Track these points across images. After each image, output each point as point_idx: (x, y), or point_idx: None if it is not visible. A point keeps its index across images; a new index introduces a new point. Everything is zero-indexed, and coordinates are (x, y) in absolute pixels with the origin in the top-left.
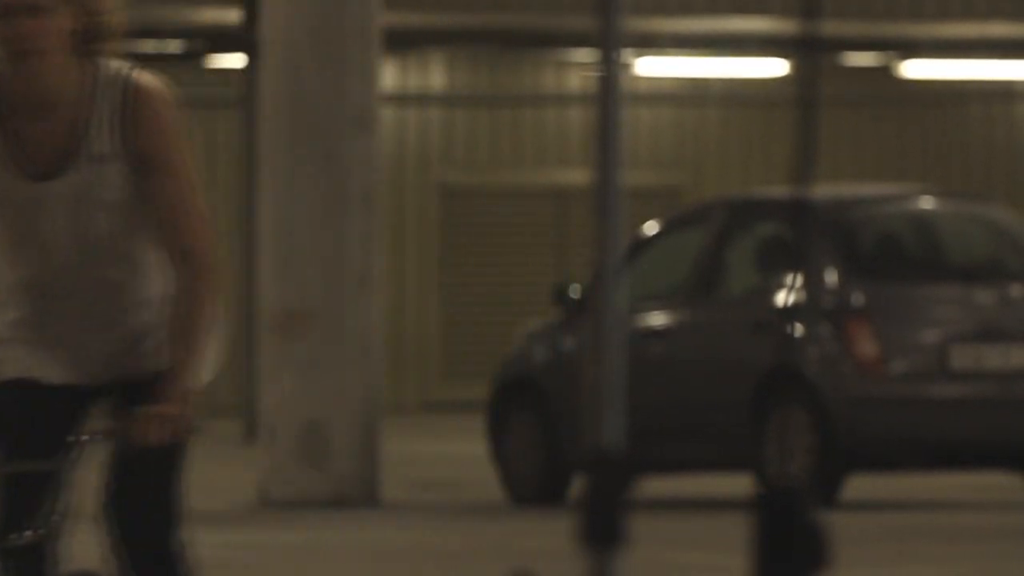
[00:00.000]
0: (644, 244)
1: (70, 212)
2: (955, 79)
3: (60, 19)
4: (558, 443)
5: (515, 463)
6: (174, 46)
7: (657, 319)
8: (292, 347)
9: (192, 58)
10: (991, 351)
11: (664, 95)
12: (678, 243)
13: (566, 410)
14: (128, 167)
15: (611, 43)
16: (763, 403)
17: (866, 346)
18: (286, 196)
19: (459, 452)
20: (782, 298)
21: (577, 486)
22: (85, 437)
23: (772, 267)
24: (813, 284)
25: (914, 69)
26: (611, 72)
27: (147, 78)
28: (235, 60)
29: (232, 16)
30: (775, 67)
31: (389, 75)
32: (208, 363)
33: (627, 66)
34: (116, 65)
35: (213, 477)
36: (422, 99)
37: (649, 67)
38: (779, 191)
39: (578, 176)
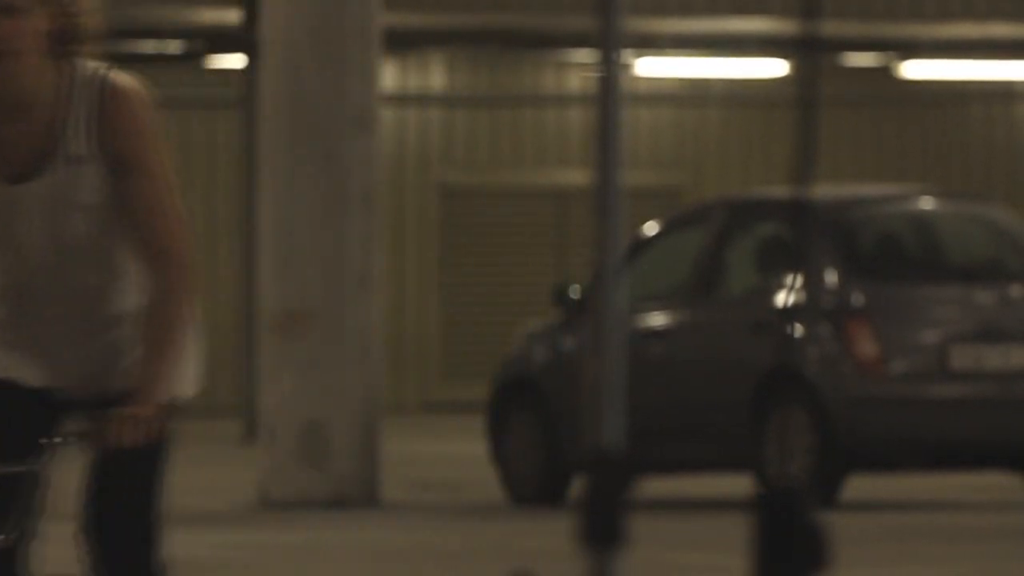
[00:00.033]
0: (644, 244)
1: (47, 214)
2: (955, 79)
3: (36, 20)
4: (558, 443)
5: (515, 463)
6: (174, 46)
7: (657, 319)
8: (292, 347)
9: (192, 58)
10: (991, 351)
11: (664, 95)
12: (678, 243)
13: (566, 410)
14: (105, 168)
15: (611, 43)
16: (763, 403)
17: (866, 346)
18: (286, 196)
19: (459, 452)
20: (782, 298)
21: (577, 486)
22: (59, 440)
23: (772, 267)
24: (813, 284)
25: (914, 69)
26: (611, 72)
27: (124, 79)
28: (235, 60)
29: (232, 16)
30: (775, 67)
31: (389, 75)
32: (191, 375)
33: (627, 66)
34: (93, 66)
35: (213, 477)
36: (422, 99)
37: (649, 67)
38: (779, 191)
39: (578, 176)
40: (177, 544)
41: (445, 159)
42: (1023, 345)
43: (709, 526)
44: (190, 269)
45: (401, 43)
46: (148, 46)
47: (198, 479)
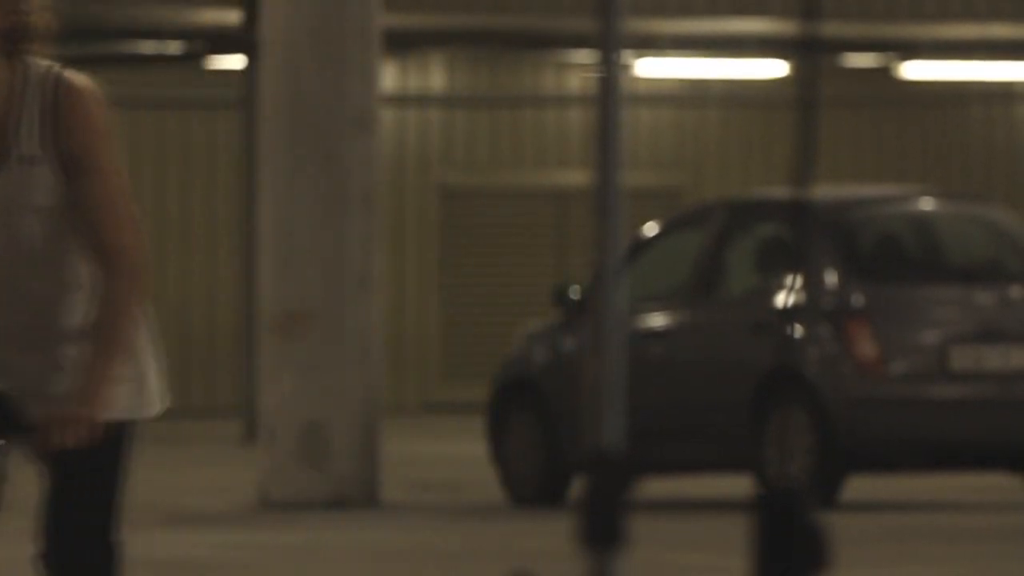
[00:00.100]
0: (644, 245)
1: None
2: (955, 80)
3: None
4: (558, 444)
5: (515, 464)
6: (174, 47)
7: (657, 320)
8: (292, 347)
9: (192, 59)
10: (991, 352)
11: (664, 96)
12: (678, 244)
13: (566, 411)
14: (59, 169)
15: (611, 44)
16: (763, 404)
17: (866, 347)
18: (286, 197)
19: (459, 453)
20: (782, 299)
21: (577, 487)
22: (2, 441)
23: (772, 268)
24: (813, 285)
25: (914, 70)
26: (611, 73)
27: (77, 77)
28: (235, 61)
29: (232, 17)
30: (775, 68)
31: (389, 76)
32: (153, 393)
33: (627, 67)
34: (45, 64)
35: (213, 477)
36: (422, 100)
37: (649, 68)
38: (779, 192)
39: (578, 177)
40: (177, 544)
41: (445, 160)
42: (1023, 346)
43: (709, 527)
44: (142, 272)
45: (401, 44)
46: (148, 47)
47: (198, 479)
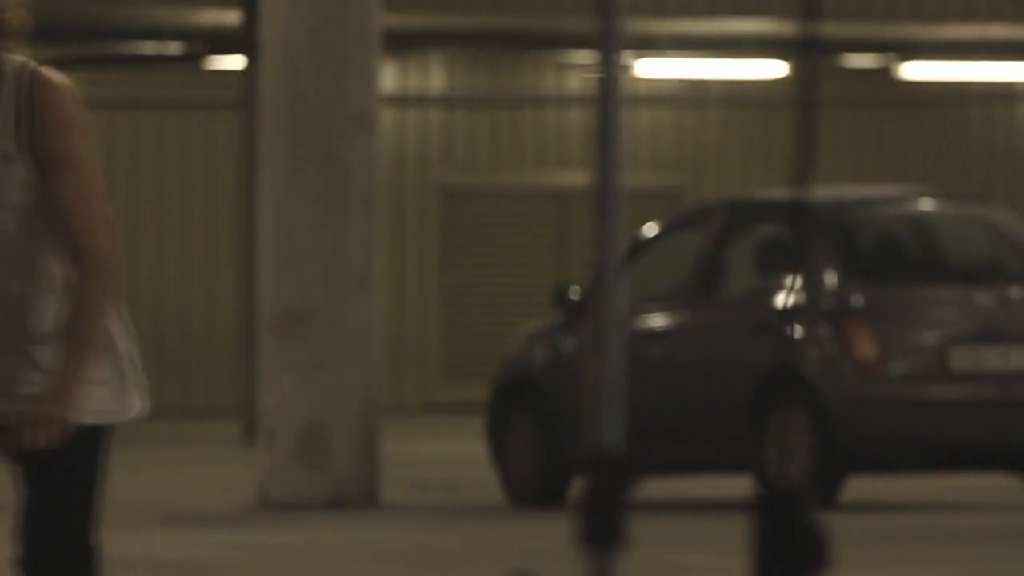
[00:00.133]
0: (644, 245)
1: None
2: (955, 81)
3: None
4: (558, 444)
5: (515, 464)
6: (174, 48)
7: (657, 320)
8: (292, 348)
9: (192, 60)
10: (991, 352)
11: (664, 97)
12: (678, 244)
13: (566, 411)
14: (33, 166)
15: (611, 45)
16: (763, 404)
17: (866, 347)
18: (286, 197)
19: (459, 453)
20: (782, 299)
21: (577, 487)
22: None
23: (772, 268)
24: (813, 285)
25: (914, 71)
26: (611, 73)
27: (53, 74)
28: (235, 62)
29: (232, 18)
30: (774, 69)
31: (389, 76)
32: (130, 397)
33: (627, 68)
34: (20, 61)
35: (213, 477)
36: (422, 100)
37: (649, 69)
38: (779, 192)
39: (578, 177)
40: (177, 544)
41: (445, 160)
42: (1022, 346)
43: (709, 527)
44: (116, 272)
45: (401, 44)
46: (148, 47)
47: (198, 479)
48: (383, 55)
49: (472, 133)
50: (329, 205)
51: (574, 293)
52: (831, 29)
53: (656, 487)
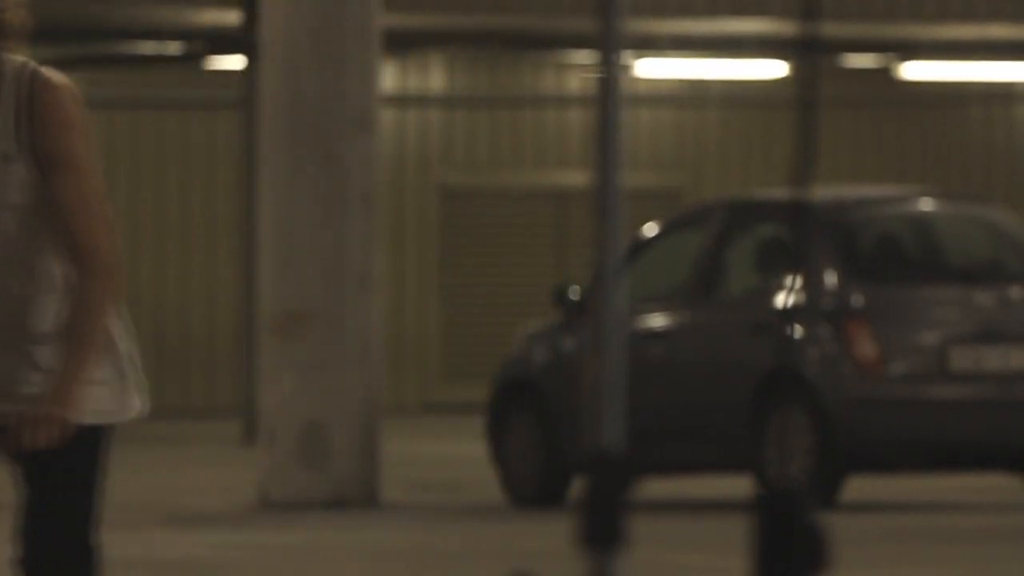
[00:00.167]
0: (644, 245)
1: None
2: (955, 81)
3: None
4: (558, 444)
5: (515, 464)
6: (174, 48)
7: (657, 320)
8: (292, 348)
9: (192, 60)
10: (991, 352)
11: (664, 97)
12: (678, 244)
13: (566, 411)
14: (33, 166)
15: (611, 45)
16: (763, 404)
17: (866, 347)
18: (286, 197)
19: (459, 453)
20: (782, 299)
21: (577, 487)
22: None
23: (772, 268)
24: (813, 285)
25: (914, 71)
26: (611, 73)
27: (53, 74)
28: (235, 62)
29: (232, 18)
30: (774, 68)
31: (389, 76)
32: (129, 396)
33: (627, 68)
34: (20, 61)
35: (213, 477)
36: (422, 100)
37: (649, 69)
38: (779, 192)
39: (578, 177)
40: (177, 544)
41: (445, 160)
42: (1023, 346)
43: (709, 527)
44: (115, 273)
45: (401, 44)
46: (148, 47)
47: (198, 479)
48: (383, 55)
49: (472, 133)
50: (329, 205)
51: (574, 293)
52: (831, 29)
53: (656, 487)
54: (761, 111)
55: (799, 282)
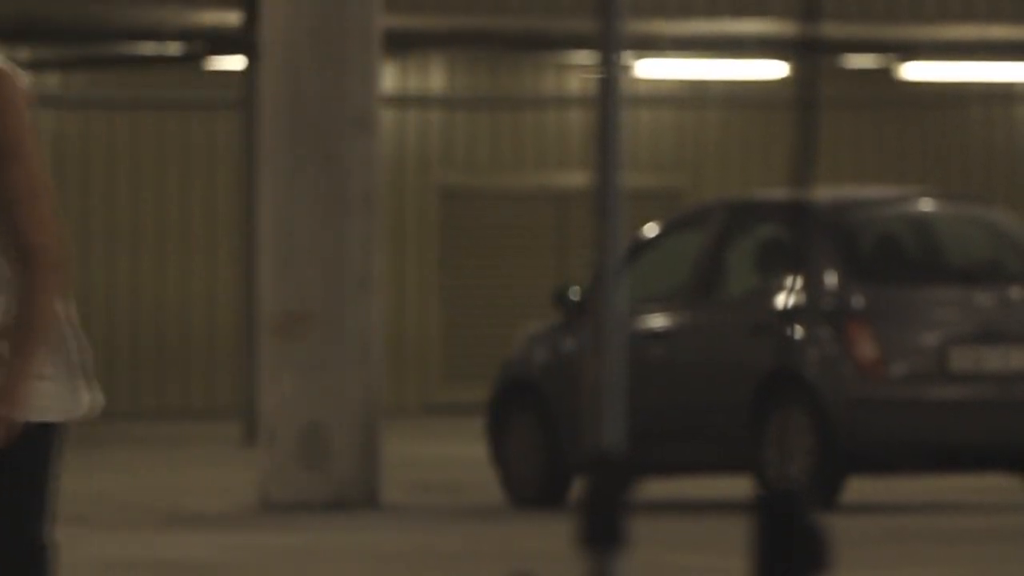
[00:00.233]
0: (644, 246)
1: None
2: (955, 81)
3: None
4: (558, 445)
5: (515, 465)
6: (174, 48)
7: (657, 321)
8: (292, 348)
9: (192, 60)
10: (991, 353)
11: (664, 97)
12: (678, 245)
13: (566, 412)
14: None
15: (611, 45)
16: (763, 405)
17: (866, 348)
18: (286, 197)
19: (459, 454)
20: (782, 300)
21: (577, 488)
22: None
23: (772, 269)
24: (813, 286)
25: (914, 71)
26: (611, 74)
27: (1, 66)
28: (235, 62)
29: (232, 18)
30: (775, 69)
31: (389, 77)
32: (73, 395)
33: (627, 68)
34: None
35: (213, 478)
36: (422, 101)
37: (649, 69)
38: (779, 193)
39: (578, 178)
40: (177, 545)
41: (445, 161)
42: (1023, 347)
43: (709, 528)
44: (58, 265)
45: (401, 45)
46: (148, 48)
47: (198, 480)
48: (383, 56)
49: (472, 134)
50: (329, 205)
51: (574, 294)
52: (831, 30)
53: (656, 488)
54: (761, 112)
55: (799, 283)
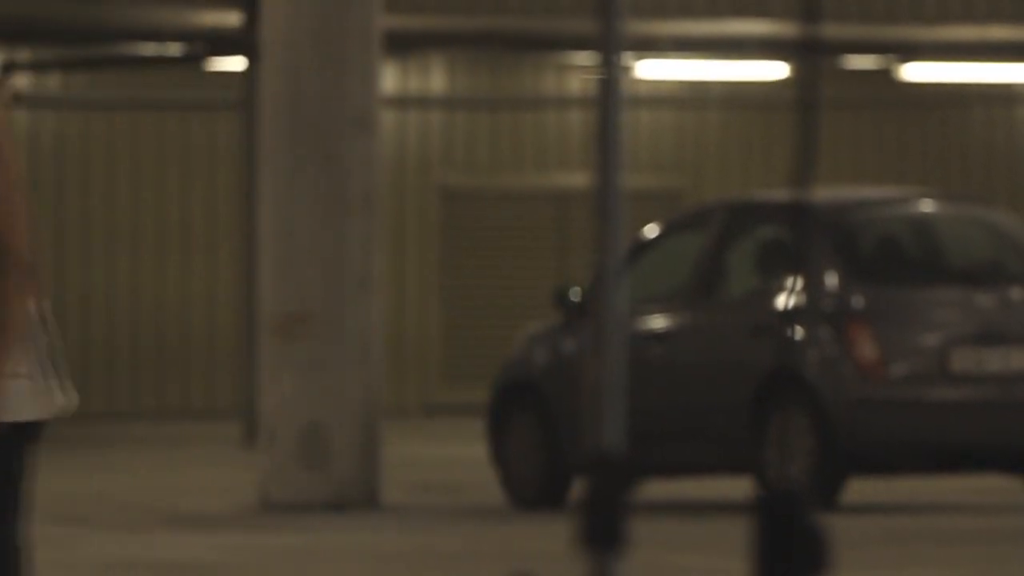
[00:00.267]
0: (644, 247)
1: None
2: (955, 82)
3: None
4: (559, 446)
5: (516, 466)
6: (174, 49)
7: (657, 322)
8: (292, 349)
9: (192, 61)
10: (991, 354)
11: (664, 98)
12: (678, 246)
13: (567, 413)
14: None
15: (611, 46)
16: (763, 406)
17: (866, 349)
18: (286, 197)
19: (460, 455)
20: (782, 301)
21: (578, 489)
22: None
23: (772, 270)
24: (813, 287)
25: (914, 72)
26: (611, 75)
27: None
28: (235, 63)
29: (232, 19)
30: (775, 70)
31: (390, 78)
32: (53, 390)
33: (627, 69)
34: None
35: (213, 479)
36: (423, 102)
37: (649, 70)
38: (779, 194)
39: (578, 179)
40: (177, 545)
41: (446, 161)
42: (1023, 348)
43: (710, 528)
44: (26, 266)
45: (402, 45)
46: (149, 48)
47: (198, 481)
48: (384, 56)
49: (473, 134)
50: (329, 206)
51: (575, 295)
52: (832, 30)
53: (656, 488)
54: (762, 112)
55: (800, 283)
